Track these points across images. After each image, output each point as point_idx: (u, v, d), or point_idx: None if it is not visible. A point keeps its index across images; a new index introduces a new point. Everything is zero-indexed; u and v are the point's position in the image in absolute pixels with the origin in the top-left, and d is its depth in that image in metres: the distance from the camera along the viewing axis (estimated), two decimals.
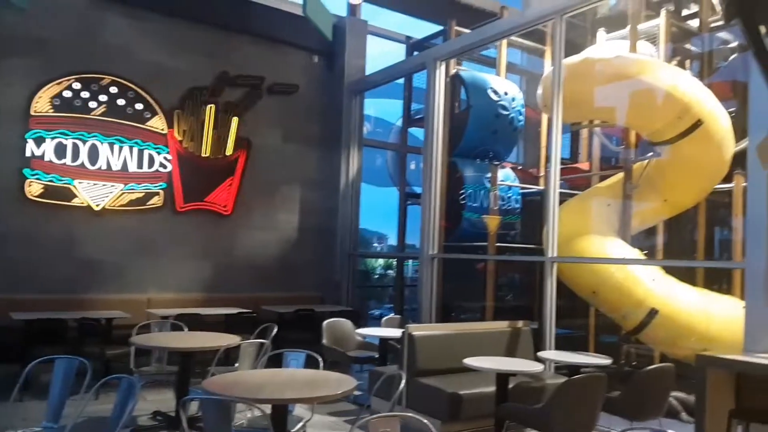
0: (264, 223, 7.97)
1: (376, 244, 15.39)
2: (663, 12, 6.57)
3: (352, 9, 8.57)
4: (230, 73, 7.63)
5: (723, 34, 7.01)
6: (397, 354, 5.27)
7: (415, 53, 8.56)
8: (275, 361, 4.16)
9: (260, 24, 7.89)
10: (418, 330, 5.00)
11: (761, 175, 4.14)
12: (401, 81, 8.43)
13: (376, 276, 12.12)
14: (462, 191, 7.46)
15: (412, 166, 8.70)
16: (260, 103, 7.87)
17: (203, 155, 7.46)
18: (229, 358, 5.00)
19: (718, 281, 5.93)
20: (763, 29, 1.26)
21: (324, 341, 5.77)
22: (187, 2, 7.41)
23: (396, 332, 5.33)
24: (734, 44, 6.86)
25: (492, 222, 7.13)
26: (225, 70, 7.60)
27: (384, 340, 5.66)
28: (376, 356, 5.75)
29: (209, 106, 7.51)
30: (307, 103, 8.33)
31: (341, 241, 8.40)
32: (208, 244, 7.52)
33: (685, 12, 7.34)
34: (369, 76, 8.47)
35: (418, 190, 8.07)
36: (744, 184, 4.69)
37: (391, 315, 6.94)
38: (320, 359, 3.82)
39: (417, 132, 8.46)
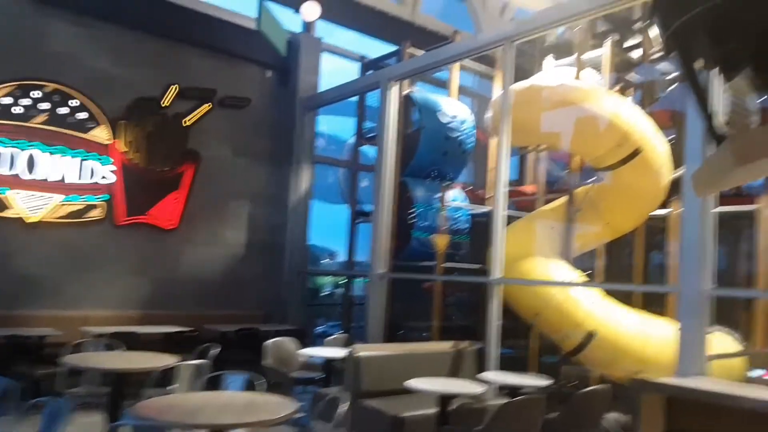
0: (210, 238, 7.79)
1: (326, 261, 15.30)
2: (608, 42, 6.84)
3: (307, 26, 8.58)
4: (180, 85, 7.48)
5: (664, 65, 7.33)
6: (341, 375, 5.21)
7: (369, 72, 8.62)
8: (215, 383, 4.04)
9: (213, 37, 7.79)
10: (364, 350, 4.96)
11: (695, 203, 4.33)
12: (354, 99, 8.46)
13: (325, 293, 12.01)
14: (412, 210, 7.50)
15: (364, 183, 8.71)
16: (210, 116, 7.74)
17: (149, 167, 7.26)
18: (165, 379, 4.83)
19: (655, 303, 6.13)
20: (698, 64, 1.32)
21: (266, 362, 5.65)
22: (137, 12, 7.24)
23: (341, 352, 5.27)
24: (674, 75, 7.18)
25: (441, 241, 7.19)
26: (175, 81, 7.44)
27: (329, 361, 5.60)
28: (320, 377, 5.67)
29: (157, 117, 7.33)
30: (258, 118, 8.25)
31: (290, 258, 8.30)
32: (150, 259, 7.29)
33: (628, 43, 7.66)
34: (322, 93, 8.46)
35: (369, 208, 8.08)
36: (679, 210, 4.88)
37: (337, 334, 6.87)
38: (261, 381, 3.73)
39: (369, 150, 8.49)
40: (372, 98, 8.10)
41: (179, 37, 7.54)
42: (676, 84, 7.16)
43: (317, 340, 8.08)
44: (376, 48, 9.49)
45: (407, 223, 7.44)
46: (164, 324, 6.59)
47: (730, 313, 5.84)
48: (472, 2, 9.79)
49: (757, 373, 5.06)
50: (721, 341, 5.26)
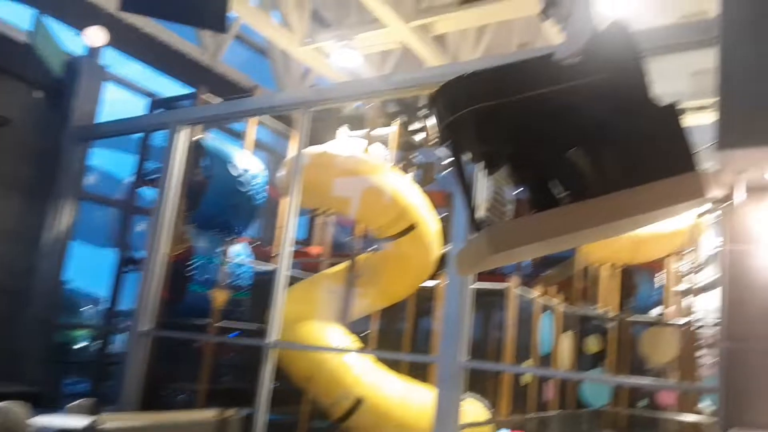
0: None
1: (89, 309, 13.53)
2: (396, 122, 7.39)
3: (91, 51, 7.80)
4: None
5: (441, 150, 8.14)
6: None
7: (159, 111, 8.09)
8: None
9: None
10: (110, 421, 4.33)
11: (456, 279, 4.72)
12: (138, 136, 7.81)
13: (79, 347, 10.51)
14: (191, 262, 7.02)
15: (139, 228, 7.95)
16: None
17: None
18: None
19: (421, 368, 6.48)
20: (466, 156, 1.42)
21: None
22: None
23: (82, 421, 4.54)
24: (449, 161, 7.98)
25: (219, 298, 6.81)
26: None
27: None
28: None
29: None
30: (19, 141, 7.12)
31: (36, 305, 7.11)
32: None
33: (414, 126, 8.38)
34: (101, 125, 7.67)
35: (141, 255, 7.36)
36: (445, 283, 5.30)
37: (82, 400, 5.95)
38: None
39: (148, 192, 7.83)
40: (158, 138, 7.57)
41: None
42: (449, 169, 7.97)
43: (64, 404, 6.92)
44: (169, 87, 9.00)
45: (184, 276, 6.92)
46: None
47: (482, 381, 6.42)
48: (276, 62, 9.92)
49: None
50: (473, 407, 5.71)
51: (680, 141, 1.03)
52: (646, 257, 7.82)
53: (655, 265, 8.36)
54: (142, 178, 7.86)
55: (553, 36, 7.40)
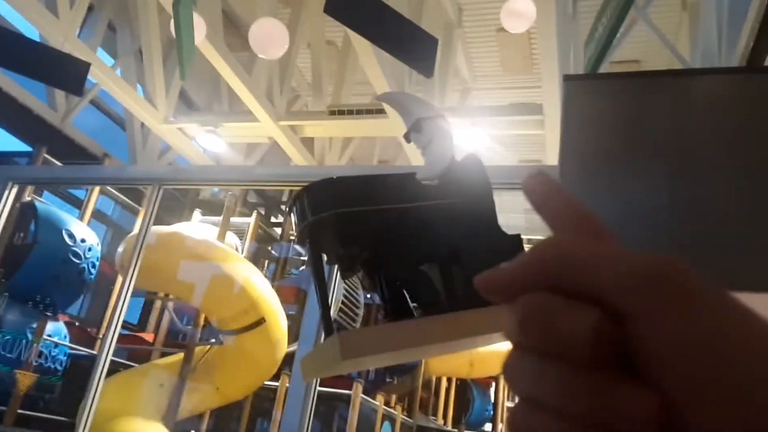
0: None
1: None
2: (254, 213, 7.30)
3: None
4: None
5: (298, 247, 8.11)
6: None
7: None
8: None
9: None
10: None
11: (300, 382, 4.55)
12: None
13: None
14: None
15: None
16: None
17: None
18: None
19: None
20: (324, 258, 1.42)
21: None
22: None
23: None
24: (306, 257, 7.96)
25: (25, 380, 5.92)
26: None
27: None
28: None
29: None
30: None
31: None
32: None
33: (274, 219, 8.34)
34: None
35: None
36: (287, 385, 5.08)
37: None
38: None
39: None
40: None
41: None
42: (305, 267, 7.94)
43: None
44: (6, 142, 8.18)
45: None
46: None
47: None
48: (133, 134, 9.50)
49: None
50: None
51: None
52: (481, 373, 8.17)
53: (490, 381, 8.78)
54: None
55: (412, 156, 7.96)
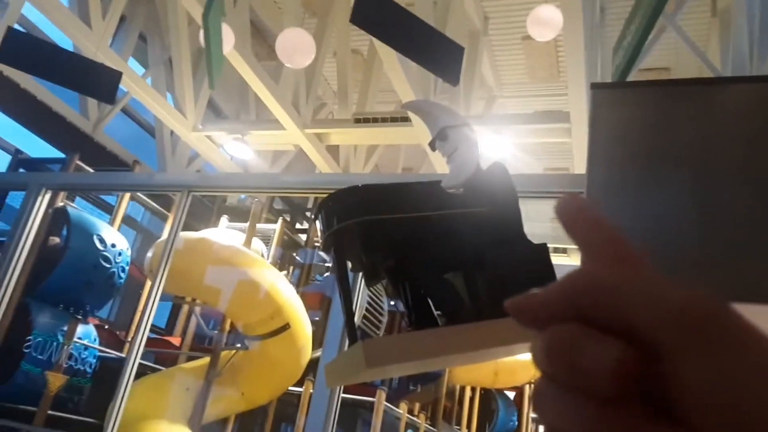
0: None
1: None
2: (280, 220, 7.36)
3: None
4: None
5: (324, 253, 8.15)
6: None
7: (21, 170, 7.48)
8: None
9: None
10: None
11: (325, 389, 4.56)
12: None
13: None
14: (28, 338, 6.23)
15: None
16: None
17: None
18: None
19: None
20: (349, 265, 1.44)
21: None
22: None
23: None
24: (331, 264, 8.00)
25: (55, 381, 6.04)
26: None
27: None
28: None
29: None
30: None
31: None
32: None
33: (299, 225, 8.40)
34: None
35: None
36: (311, 391, 5.09)
37: None
38: None
39: None
40: (15, 198, 6.92)
41: None
42: (330, 274, 7.97)
43: None
44: (40, 148, 8.41)
45: (17, 353, 6.09)
46: None
47: None
48: (163, 142, 9.69)
49: None
50: None
51: (549, 278, 1.11)
52: (506, 383, 8.09)
53: (515, 391, 8.67)
54: None
55: (437, 164, 7.96)
